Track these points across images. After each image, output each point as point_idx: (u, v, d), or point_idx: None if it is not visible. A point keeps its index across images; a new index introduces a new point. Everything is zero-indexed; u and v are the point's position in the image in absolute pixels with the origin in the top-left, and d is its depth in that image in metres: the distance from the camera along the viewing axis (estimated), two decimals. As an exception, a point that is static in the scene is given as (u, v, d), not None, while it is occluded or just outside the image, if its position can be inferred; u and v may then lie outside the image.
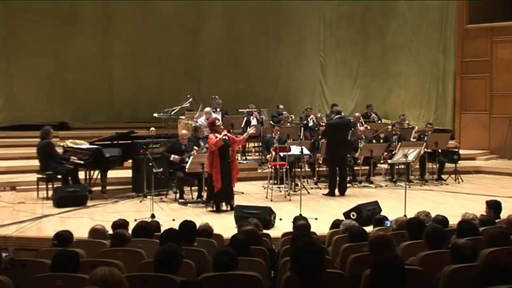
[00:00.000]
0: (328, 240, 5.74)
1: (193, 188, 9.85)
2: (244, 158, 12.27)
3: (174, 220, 7.59)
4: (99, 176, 9.79)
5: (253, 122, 12.23)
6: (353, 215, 7.59)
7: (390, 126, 12.52)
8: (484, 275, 3.17)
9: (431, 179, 11.53)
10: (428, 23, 15.16)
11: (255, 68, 16.41)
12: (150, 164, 8.70)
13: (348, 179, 10.82)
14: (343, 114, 11.04)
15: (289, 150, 9.84)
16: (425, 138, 11.46)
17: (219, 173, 8.63)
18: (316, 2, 16.65)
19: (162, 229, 5.61)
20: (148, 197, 9.14)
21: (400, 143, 10.88)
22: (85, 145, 10.13)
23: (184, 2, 15.50)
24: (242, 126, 11.90)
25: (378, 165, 11.77)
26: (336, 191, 10.12)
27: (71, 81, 14.71)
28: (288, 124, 12.38)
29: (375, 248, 4.17)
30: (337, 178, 10.23)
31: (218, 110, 12.56)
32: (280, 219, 7.87)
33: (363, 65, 16.76)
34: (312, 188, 10.74)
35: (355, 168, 11.41)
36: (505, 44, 14.07)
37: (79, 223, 7.67)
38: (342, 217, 7.37)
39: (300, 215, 7.21)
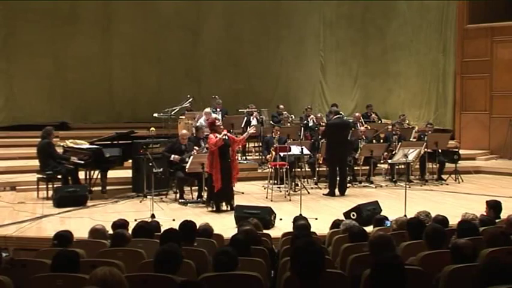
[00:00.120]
0: (328, 240, 5.73)
1: (193, 188, 9.84)
2: (244, 158, 12.27)
3: (174, 220, 7.59)
4: (99, 176, 9.79)
5: (253, 122, 12.23)
6: (353, 215, 7.59)
7: (390, 126, 12.52)
8: (484, 275, 3.17)
9: (432, 179, 11.53)
10: (428, 23, 15.15)
11: (255, 68, 16.41)
12: (150, 164, 8.69)
13: (348, 179, 10.82)
14: (342, 114, 11.05)
15: (289, 150, 9.83)
16: (426, 138, 11.46)
17: (219, 173, 8.63)
18: (316, 2, 16.64)
19: (162, 229, 5.62)
20: (148, 197, 9.14)
21: (400, 143, 10.88)
22: (85, 145, 10.13)
23: (185, 2, 15.50)
24: (242, 126, 11.90)
25: (378, 165, 11.77)
26: (336, 191, 10.12)
27: (71, 81, 14.70)
28: (288, 124, 12.38)
29: (375, 248, 4.17)
30: (337, 178, 10.23)
31: (218, 110, 12.57)
32: (281, 219, 7.87)
33: (363, 65, 16.76)
34: (312, 188, 10.74)
35: (355, 168, 11.41)
36: (505, 44, 14.07)
37: (79, 223, 7.66)
38: (342, 217, 7.37)
39: (300, 215, 7.21)
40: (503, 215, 6.24)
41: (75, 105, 14.74)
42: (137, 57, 15.40)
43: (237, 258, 3.83)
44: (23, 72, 14.20)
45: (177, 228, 5.08)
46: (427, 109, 15.23)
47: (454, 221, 5.92)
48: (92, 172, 9.82)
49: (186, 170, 9.19)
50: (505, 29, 14.09)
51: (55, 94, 14.67)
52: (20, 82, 14.25)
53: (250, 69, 16.41)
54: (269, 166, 10.74)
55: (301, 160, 10.90)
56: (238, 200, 9.00)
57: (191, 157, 9.19)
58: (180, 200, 9.46)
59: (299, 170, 11.01)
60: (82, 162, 9.56)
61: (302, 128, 11.57)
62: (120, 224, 5.76)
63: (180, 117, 12.30)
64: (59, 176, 9.47)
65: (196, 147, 9.63)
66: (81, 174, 9.81)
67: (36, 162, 9.71)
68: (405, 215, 6.80)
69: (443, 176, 11.59)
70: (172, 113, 12.24)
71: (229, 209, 8.75)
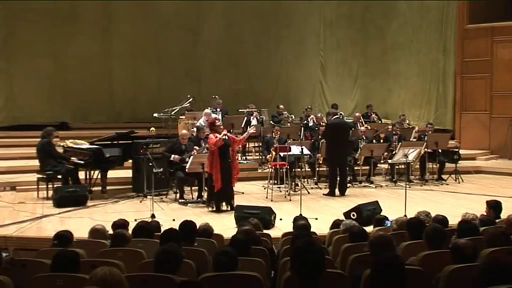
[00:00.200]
0: (329, 240, 5.73)
1: (193, 188, 9.84)
2: (244, 158, 12.27)
3: (174, 220, 7.58)
4: (99, 176, 9.78)
5: (254, 122, 12.24)
6: (353, 215, 7.58)
7: (390, 126, 12.51)
8: (484, 275, 3.16)
9: (432, 179, 11.52)
10: (428, 23, 15.15)
11: (255, 68, 16.41)
12: (150, 164, 8.69)
13: (348, 179, 10.81)
14: (342, 114, 11.05)
15: (290, 150, 9.83)
16: (426, 138, 11.45)
17: (219, 173, 8.63)
18: (316, 2, 16.64)
19: (162, 229, 5.61)
20: (148, 197, 9.14)
21: (400, 143, 10.87)
22: (85, 145, 10.12)
23: (185, 2, 15.50)
24: (242, 126, 11.90)
25: (378, 165, 11.76)
26: (336, 191, 10.12)
27: (71, 81, 14.70)
28: (288, 124, 12.39)
29: (375, 248, 4.17)
30: (338, 178, 10.22)
31: (218, 110, 12.57)
32: (281, 219, 7.86)
33: (363, 65, 16.75)
34: (312, 188, 10.74)
35: (356, 168, 11.41)
36: (505, 44, 14.06)
37: (79, 223, 7.66)
38: (342, 217, 7.36)
39: (300, 215, 7.20)
40: (504, 215, 6.24)
41: (75, 105, 14.74)
42: (137, 57, 15.40)
43: (237, 258, 3.83)
44: (23, 72, 14.19)
45: (177, 228, 5.07)
46: (427, 109, 15.22)
47: (454, 221, 5.92)
48: (92, 172, 9.82)
49: (186, 170, 9.19)
50: (505, 29, 14.08)
51: (55, 94, 14.67)
52: (20, 82, 14.24)
53: (250, 69, 16.40)
54: (269, 166, 10.74)
55: (301, 160, 10.90)
56: (238, 200, 9.00)
57: (191, 157, 9.19)
58: (180, 200, 9.46)
59: (299, 170, 11.01)
60: (82, 162, 9.56)
61: (302, 128, 11.54)
62: (120, 224, 5.76)
63: (180, 117, 12.30)
64: (59, 176, 9.46)
65: (196, 147, 9.63)
66: (81, 174, 9.81)
67: (36, 162, 9.71)
68: (405, 215, 6.80)
69: (443, 176, 11.59)
70: (173, 113, 12.24)
71: (229, 209, 8.75)
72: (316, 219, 7.74)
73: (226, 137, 8.75)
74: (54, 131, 9.91)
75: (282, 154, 9.90)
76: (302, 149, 9.72)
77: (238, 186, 9.74)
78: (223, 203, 8.86)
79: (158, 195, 9.57)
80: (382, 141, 12.09)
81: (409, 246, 4.65)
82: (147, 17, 15.45)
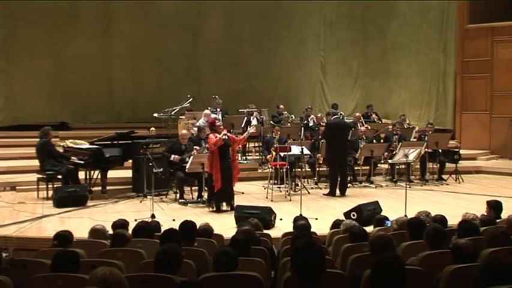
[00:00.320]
0: (329, 240, 5.72)
1: (193, 188, 9.83)
2: (244, 158, 12.26)
3: (174, 220, 7.57)
4: (99, 176, 9.77)
5: (254, 122, 12.23)
6: (353, 215, 7.58)
7: (391, 126, 12.50)
8: (484, 275, 3.16)
9: (432, 179, 11.51)
10: (428, 22, 15.14)
11: (255, 68, 16.40)
12: (150, 164, 8.69)
13: (349, 179, 10.80)
14: (343, 114, 11.05)
15: (290, 150, 9.82)
16: (426, 138, 11.44)
17: (219, 173, 8.63)
18: (316, 2, 16.63)
19: (162, 229, 5.61)
20: (148, 197, 9.13)
21: (400, 143, 10.87)
22: (85, 145, 10.12)
23: (185, 2, 15.48)
24: (242, 126, 11.89)
25: (379, 165, 11.75)
26: (337, 191, 10.11)
27: (71, 81, 14.68)
28: (288, 124, 12.38)
29: (375, 248, 4.16)
30: (338, 178, 10.21)
31: (218, 110, 12.56)
32: (281, 219, 7.86)
33: (363, 65, 16.75)
34: (312, 188, 10.73)
35: (356, 168, 11.40)
36: (505, 44, 14.05)
37: (79, 223, 7.65)
38: (342, 217, 7.36)
39: (301, 215, 7.20)
40: (504, 215, 6.24)
41: (75, 105, 14.72)
42: (137, 57, 15.38)
43: (237, 259, 3.83)
44: (23, 72, 14.18)
45: (177, 228, 5.07)
46: (428, 109, 15.21)
47: (454, 221, 5.92)
48: (92, 172, 9.81)
49: (186, 170, 9.18)
50: (506, 29, 14.07)
51: (55, 94, 14.65)
52: (20, 82, 14.23)
53: (250, 69, 16.39)
54: (269, 166, 10.73)
55: (302, 160, 10.89)
56: (238, 200, 8.99)
57: (191, 157, 9.18)
58: (180, 200, 9.45)
59: (299, 170, 11.00)
60: (82, 162, 9.55)
61: (302, 128, 11.55)
62: (120, 224, 5.75)
63: (180, 117, 12.28)
64: (59, 176, 9.46)
65: (196, 147, 9.62)
66: (81, 174, 9.80)
67: (36, 162, 9.70)
68: (405, 215, 6.79)
69: (443, 176, 11.58)
70: (173, 113, 12.23)
71: (229, 209, 8.74)
72: (317, 219, 7.73)
73: (226, 137, 8.75)
74: (51, 130, 9.88)
75: (282, 154, 9.89)
76: (302, 149, 9.71)
77: (238, 186, 9.74)
78: (224, 203, 8.85)
79: (158, 195, 9.56)
80: (382, 141, 12.08)
81: (409, 247, 4.64)
82: (147, 17, 15.44)
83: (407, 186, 9.03)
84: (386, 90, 16.32)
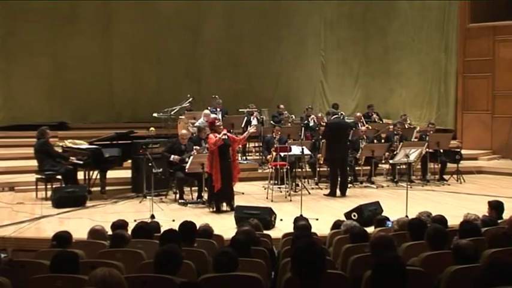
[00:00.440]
0: (329, 240, 5.71)
1: (193, 188, 9.81)
2: (244, 158, 12.24)
3: (174, 221, 7.55)
4: (98, 176, 9.75)
5: (254, 122, 12.21)
6: (354, 216, 7.55)
7: (392, 126, 12.48)
8: (486, 276, 3.16)
9: (433, 179, 11.49)
10: (429, 22, 15.12)
11: (255, 68, 16.38)
12: (150, 164, 8.66)
13: (349, 179, 10.78)
14: (343, 114, 11.03)
15: (290, 150, 9.80)
16: (427, 138, 11.42)
17: (218, 173, 8.61)
18: (316, 2, 16.62)
19: (162, 230, 5.59)
20: (148, 197, 9.11)
21: (401, 143, 10.86)
22: (84, 145, 10.09)
23: (185, 2, 15.46)
24: (242, 126, 11.87)
25: (380, 165, 11.73)
26: (337, 191, 10.08)
27: (71, 81, 14.65)
28: (289, 124, 12.36)
29: (376, 249, 4.16)
30: (338, 178, 10.19)
31: (218, 109, 12.55)
32: (281, 220, 7.84)
33: (364, 65, 16.73)
34: (312, 188, 10.72)
35: (357, 168, 11.37)
36: (507, 43, 14.03)
37: (78, 224, 7.63)
38: (343, 218, 7.33)
39: (301, 215, 7.19)
40: (506, 215, 6.24)
41: (75, 105, 14.70)
42: (137, 57, 15.36)
43: (238, 259, 3.83)
44: (22, 72, 14.15)
45: (176, 228, 5.05)
46: (429, 109, 15.19)
47: (455, 221, 5.89)
48: (91, 172, 9.79)
49: (186, 170, 9.16)
50: (507, 28, 14.04)
51: (54, 94, 14.62)
52: (19, 82, 14.20)
53: (251, 69, 16.37)
54: (269, 166, 10.71)
55: (302, 160, 10.87)
56: (238, 201, 8.97)
57: (191, 157, 9.16)
58: (179, 201, 9.43)
59: (300, 170, 10.97)
60: (81, 162, 9.53)
61: (303, 128, 11.54)
62: (119, 225, 5.73)
63: (180, 117, 12.27)
64: (59, 177, 9.43)
65: (196, 147, 9.60)
66: (80, 175, 9.77)
67: (35, 163, 9.67)
68: (406, 216, 6.77)
69: (445, 176, 11.56)
70: (172, 113, 12.21)
71: (229, 209, 8.72)
72: (317, 219, 7.71)
73: (226, 137, 8.73)
74: (48, 129, 9.83)
75: (282, 154, 9.86)
76: (303, 149, 9.69)
77: (238, 187, 9.72)
78: (224, 204, 8.83)
79: (158, 196, 9.53)
80: (383, 141, 12.06)
81: (410, 247, 4.63)
82: (147, 17, 15.41)
83: (409, 186, 8.99)
84: (387, 90, 16.30)
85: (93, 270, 3.16)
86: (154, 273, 3.77)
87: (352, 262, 4.30)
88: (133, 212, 8.50)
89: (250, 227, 5.52)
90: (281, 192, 10.14)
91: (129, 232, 5.42)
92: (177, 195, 9.55)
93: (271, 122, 12.94)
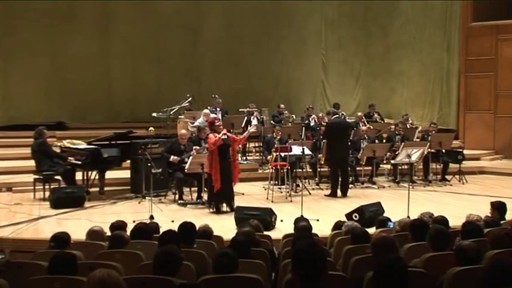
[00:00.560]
0: (330, 241, 5.68)
1: (192, 189, 9.79)
2: (244, 158, 12.21)
3: (173, 221, 7.51)
4: (97, 177, 9.71)
5: (254, 121, 12.19)
6: (355, 216, 7.53)
7: (393, 126, 12.42)
8: (488, 277, 3.14)
9: (435, 179, 11.46)
10: (431, 21, 15.08)
11: (256, 67, 16.36)
12: (149, 164, 8.60)
13: (350, 179, 10.74)
14: (344, 114, 10.99)
15: (291, 151, 9.76)
16: (429, 138, 11.39)
17: (218, 173, 8.57)
18: (317, 1, 16.62)
19: (161, 230, 5.56)
20: (147, 198, 9.05)
21: (403, 143, 10.81)
22: (83, 145, 10.05)
23: (184, 2, 15.45)
24: (242, 126, 11.85)
25: (381, 165, 11.70)
26: (338, 192, 10.04)
27: (69, 80, 14.62)
28: (289, 124, 12.33)
29: (377, 250, 4.13)
30: (339, 179, 10.14)
31: (218, 109, 12.53)
32: (281, 221, 7.81)
33: (365, 64, 16.72)
34: (313, 188, 10.68)
35: (358, 168, 11.32)
36: (509, 42, 13.98)
37: (76, 224, 7.61)
38: (344, 218, 7.31)
39: (302, 216, 7.16)
40: (508, 216, 6.25)
41: (73, 105, 14.67)
42: (137, 57, 15.34)
43: (237, 260, 3.82)
44: (20, 71, 14.13)
45: (176, 229, 5.03)
46: (431, 108, 15.15)
47: (458, 222, 5.87)
48: (90, 173, 9.74)
49: (186, 170, 9.12)
50: (510, 27, 14.00)
51: (53, 94, 14.59)
52: (17, 81, 14.17)
53: (251, 69, 16.36)
54: (270, 166, 10.67)
55: (303, 160, 10.83)
56: (238, 201, 8.94)
57: (190, 157, 9.13)
58: (179, 201, 9.39)
59: (300, 170, 10.92)
60: (79, 162, 9.49)
61: (303, 128, 11.50)
62: (118, 226, 5.71)
63: (179, 117, 12.23)
64: (58, 177, 9.39)
65: (196, 147, 9.56)
66: (79, 175, 9.73)
67: (33, 163, 9.63)
68: (408, 216, 6.75)
69: (447, 177, 11.53)
70: (171, 112, 12.17)
71: (229, 210, 8.68)
72: (318, 220, 7.68)
73: (226, 137, 8.69)
74: (45, 129, 9.80)
75: (282, 154, 9.83)
76: (303, 149, 9.65)
77: (238, 187, 9.68)
78: (224, 204, 8.79)
79: (157, 196, 9.47)
80: (384, 141, 12.01)
81: (412, 248, 4.62)
82: (146, 17, 15.40)
83: (410, 186, 8.97)
84: (389, 89, 16.27)
85: (92, 272, 3.13)
86: (153, 274, 3.75)
87: (353, 263, 4.28)
88: (132, 212, 8.46)
89: (251, 227, 5.49)
90: (281, 192, 10.11)
91: (128, 233, 5.39)
92: (177, 196, 9.52)
93: (272, 121, 12.91)
